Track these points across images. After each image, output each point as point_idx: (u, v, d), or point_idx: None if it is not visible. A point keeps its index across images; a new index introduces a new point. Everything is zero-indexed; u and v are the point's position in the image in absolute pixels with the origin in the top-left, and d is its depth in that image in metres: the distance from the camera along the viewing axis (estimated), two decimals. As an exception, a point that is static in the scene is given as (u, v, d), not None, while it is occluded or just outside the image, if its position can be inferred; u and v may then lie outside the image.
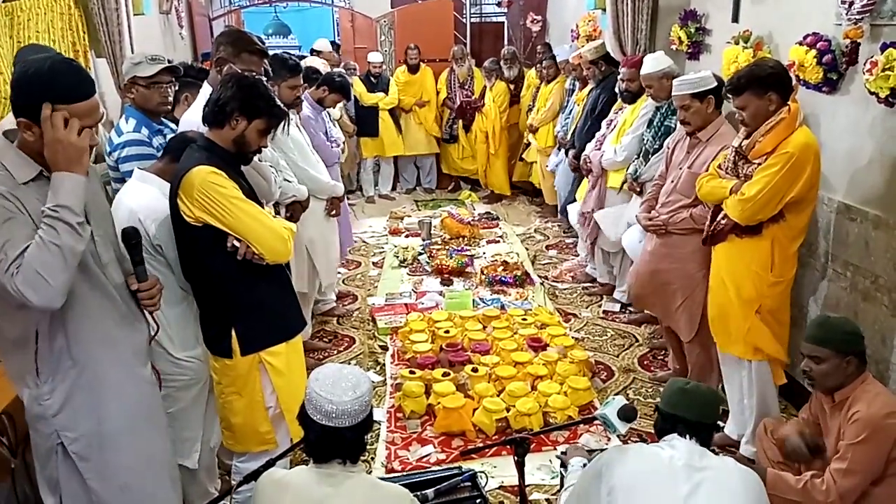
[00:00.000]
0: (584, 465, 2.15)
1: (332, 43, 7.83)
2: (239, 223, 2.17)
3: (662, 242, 3.35)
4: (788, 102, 2.64)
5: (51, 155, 1.66)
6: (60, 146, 1.64)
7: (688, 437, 1.84)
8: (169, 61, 3.07)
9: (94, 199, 1.88)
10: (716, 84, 3.18)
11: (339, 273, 5.06)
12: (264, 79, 2.53)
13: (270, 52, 3.17)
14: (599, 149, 4.51)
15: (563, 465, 2.33)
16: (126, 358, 1.93)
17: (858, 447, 2.13)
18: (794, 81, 3.17)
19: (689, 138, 3.31)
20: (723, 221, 2.79)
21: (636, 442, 3.15)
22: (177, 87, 3.15)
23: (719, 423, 1.96)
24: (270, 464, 1.91)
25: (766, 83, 2.60)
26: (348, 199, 6.73)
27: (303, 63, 3.99)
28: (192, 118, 2.67)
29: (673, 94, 3.31)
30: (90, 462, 1.88)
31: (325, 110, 4.52)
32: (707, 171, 2.99)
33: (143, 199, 2.28)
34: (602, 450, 2.39)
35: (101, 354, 1.86)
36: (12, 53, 3.61)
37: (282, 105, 2.40)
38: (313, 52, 7.07)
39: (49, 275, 1.62)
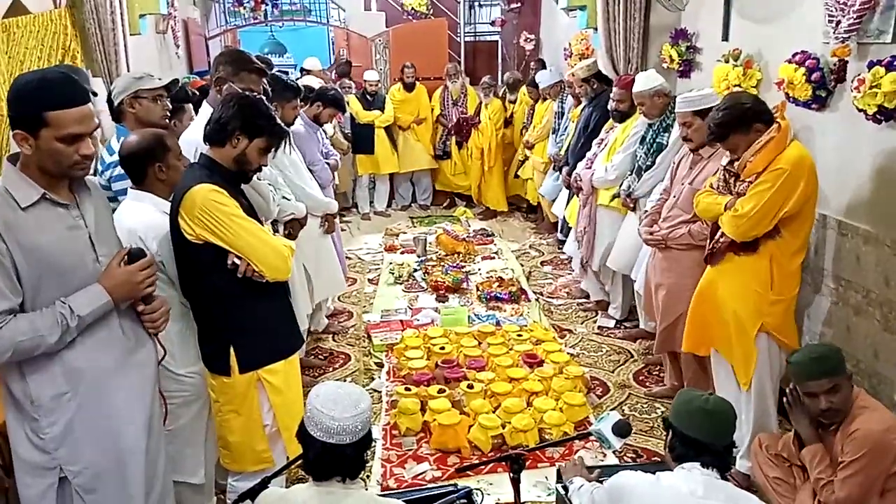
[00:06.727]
0: (582, 485, 2.14)
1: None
2: (240, 241, 2.18)
3: (663, 257, 3.41)
4: (778, 120, 2.67)
5: (116, 287, 1.76)
6: (129, 285, 1.79)
7: (711, 468, 1.76)
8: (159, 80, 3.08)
9: (101, 219, 1.85)
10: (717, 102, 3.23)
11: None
12: (264, 98, 2.55)
13: (269, 71, 3.20)
14: (590, 167, 4.54)
15: (560, 479, 2.33)
16: (131, 383, 1.87)
17: (859, 463, 2.15)
18: (784, 99, 3.22)
19: (692, 154, 3.36)
20: (721, 239, 2.80)
21: (632, 458, 3.15)
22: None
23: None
24: (266, 482, 1.90)
25: (747, 119, 2.63)
26: (342, 216, 6.76)
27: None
28: (191, 137, 2.69)
29: (676, 111, 3.38)
30: (96, 494, 1.82)
31: (321, 129, 4.54)
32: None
33: (141, 217, 2.29)
34: (599, 467, 2.39)
35: (103, 382, 1.80)
36: (9, 71, 3.62)
37: (283, 124, 2.42)
38: (303, 70, 7.14)
39: (12, 354, 1.64)
